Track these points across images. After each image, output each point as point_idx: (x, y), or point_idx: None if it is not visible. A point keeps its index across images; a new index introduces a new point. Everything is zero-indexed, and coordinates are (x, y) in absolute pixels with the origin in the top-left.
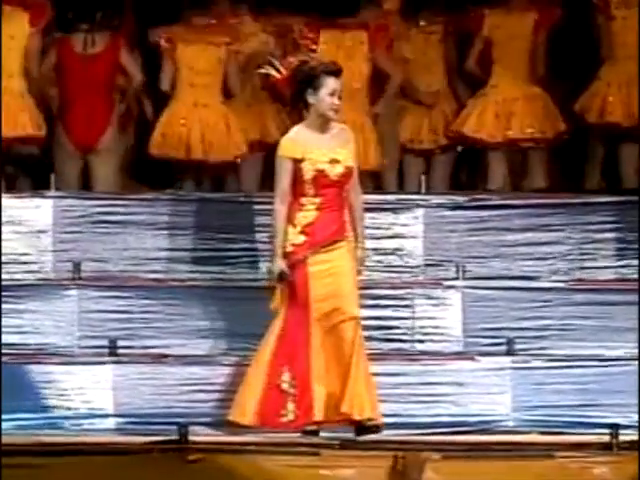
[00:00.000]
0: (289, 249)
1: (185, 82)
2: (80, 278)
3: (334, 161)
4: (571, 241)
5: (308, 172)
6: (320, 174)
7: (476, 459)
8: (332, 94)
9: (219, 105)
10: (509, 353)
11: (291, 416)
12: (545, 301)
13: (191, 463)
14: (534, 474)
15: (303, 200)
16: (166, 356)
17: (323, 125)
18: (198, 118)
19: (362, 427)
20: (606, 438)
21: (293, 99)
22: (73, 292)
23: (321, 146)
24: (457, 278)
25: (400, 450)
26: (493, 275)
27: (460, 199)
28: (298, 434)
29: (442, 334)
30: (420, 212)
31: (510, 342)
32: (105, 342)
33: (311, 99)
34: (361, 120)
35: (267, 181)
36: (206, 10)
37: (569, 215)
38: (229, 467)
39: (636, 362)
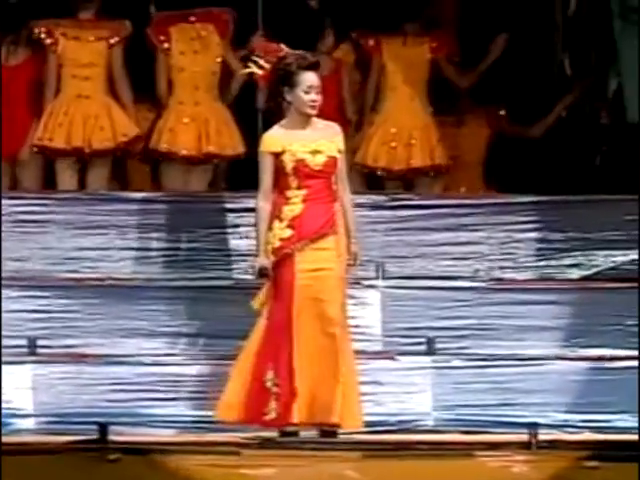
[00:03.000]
0: (277, 244)
1: (68, 75)
2: None
3: (315, 152)
4: (491, 241)
5: (289, 163)
6: (300, 164)
7: (396, 458)
8: (308, 91)
9: (102, 97)
10: (429, 352)
11: (273, 414)
12: (465, 301)
13: (111, 462)
14: (454, 473)
15: (288, 193)
16: (86, 355)
17: (304, 122)
18: (80, 109)
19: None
20: (525, 437)
21: (270, 97)
22: None
23: (302, 139)
24: (377, 278)
25: (320, 450)
26: (413, 275)
27: (380, 199)
28: (219, 434)
29: (362, 333)
30: None
31: (430, 341)
32: (24, 342)
33: (288, 97)
34: (217, 106)
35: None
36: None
37: (489, 215)
38: (149, 466)
39: (555, 361)
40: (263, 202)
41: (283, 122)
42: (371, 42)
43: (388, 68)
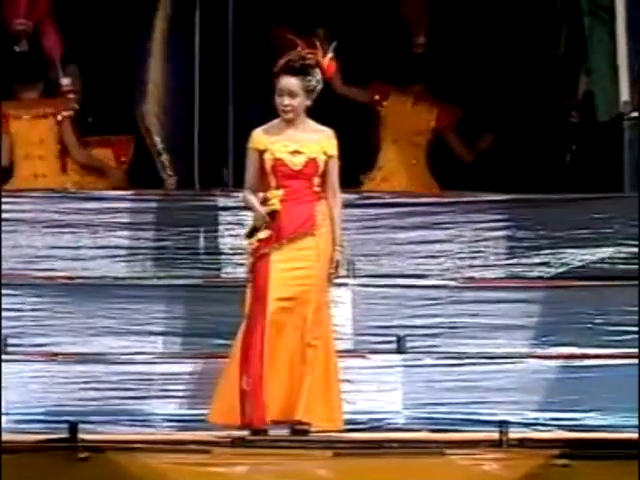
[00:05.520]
0: (255, 245)
1: (21, 155)
2: None
3: (296, 152)
4: (461, 239)
5: (268, 162)
6: (278, 163)
7: (367, 457)
8: (280, 94)
9: (59, 175)
10: (399, 351)
11: (249, 415)
12: (435, 299)
13: (81, 461)
14: (425, 471)
15: (268, 194)
16: (56, 354)
17: (293, 123)
18: None
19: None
20: (495, 435)
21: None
22: None
23: (288, 139)
24: (348, 276)
25: (291, 448)
26: (384, 273)
27: (351, 197)
28: (189, 432)
29: (333, 331)
30: None
31: (400, 340)
32: None
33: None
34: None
35: None
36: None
37: (459, 213)
38: (119, 465)
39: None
40: (247, 191)
41: (276, 121)
42: (378, 91)
43: (389, 122)
